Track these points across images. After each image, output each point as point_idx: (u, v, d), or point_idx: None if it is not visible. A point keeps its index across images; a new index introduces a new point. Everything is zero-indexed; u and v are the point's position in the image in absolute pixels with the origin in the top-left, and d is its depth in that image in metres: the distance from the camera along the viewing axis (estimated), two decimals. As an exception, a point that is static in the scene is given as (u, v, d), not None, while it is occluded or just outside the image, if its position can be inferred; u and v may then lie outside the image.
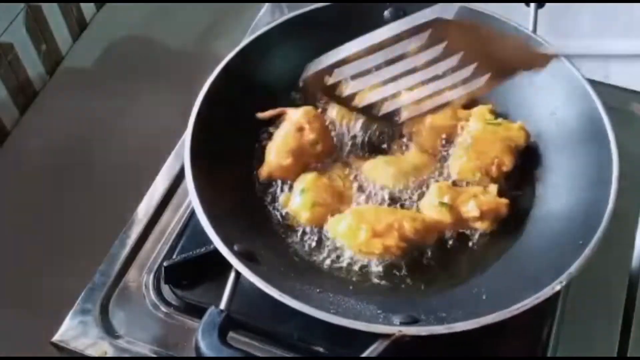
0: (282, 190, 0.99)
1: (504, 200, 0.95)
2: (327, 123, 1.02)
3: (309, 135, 0.99)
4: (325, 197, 0.95)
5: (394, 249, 0.90)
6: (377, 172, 0.98)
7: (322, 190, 0.96)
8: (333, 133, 1.03)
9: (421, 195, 0.97)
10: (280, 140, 1.00)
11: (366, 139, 1.03)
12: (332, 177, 0.98)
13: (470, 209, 0.94)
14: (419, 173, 0.99)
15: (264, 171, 1.00)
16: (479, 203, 0.94)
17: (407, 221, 0.91)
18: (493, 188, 0.96)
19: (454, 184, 0.98)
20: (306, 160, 0.99)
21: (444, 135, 1.02)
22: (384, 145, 1.03)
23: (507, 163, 0.98)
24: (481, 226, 0.94)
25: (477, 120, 1.02)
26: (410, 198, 0.98)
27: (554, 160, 1.00)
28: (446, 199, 0.94)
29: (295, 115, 1.01)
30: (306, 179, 0.97)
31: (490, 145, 0.99)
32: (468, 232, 0.95)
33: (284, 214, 0.97)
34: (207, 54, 1.38)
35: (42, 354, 0.96)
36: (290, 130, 1.00)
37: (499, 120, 1.03)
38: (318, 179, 0.97)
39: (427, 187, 0.98)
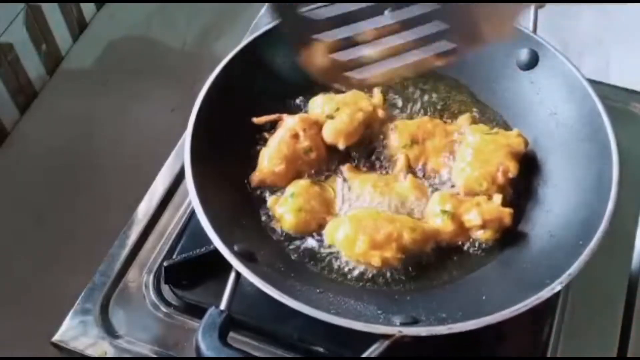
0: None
1: (508, 210, 0.93)
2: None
3: (304, 143, 0.98)
4: (313, 205, 0.94)
5: (392, 260, 0.90)
6: (362, 190, 0.97)
7: (312, 198, 0.95)
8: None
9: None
10: (274, 147, 0.99)
11: (364, 154, 1.03)
12: (324, 186, 0.98)
13: (472, 218, 0.93)
14: (402, 204, 0.96)
15: (255, 177, 0.99)
16: (482, 212, 0.92)
17: (407, 232, 0.90)
18: (497, 197, 0.95)
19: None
20: (299, 167, 0.99)
21: (447, 154, 1.01)
22: (385, 164, 1.02)
23: (512, 169, 0.96)
24: (483, 236, 0.93)
25: (474, 133, 1.01)
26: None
27: (554, 160, 1.00)
28: (448, 207, 0.93)
29: (290, 122, 1.00)
30: (298, 185, 0.97)
31: (492, 153, 0.97)
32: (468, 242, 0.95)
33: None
34: (207, 54, 1.38)
35: (42, 354, 0.96)
36: (284, 136, 0.99)
37: (495, 130, 1.03)
38: (310, 186, 0.96)
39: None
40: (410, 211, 0.96)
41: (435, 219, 0.93)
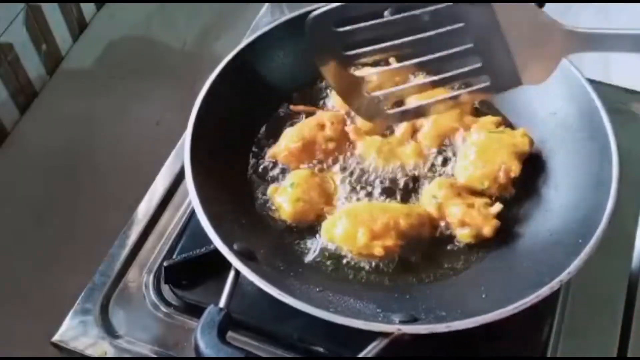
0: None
1: (494, 222, 0.93)
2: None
3: (327, 132, 1.01)
4: (312, 195, 0.96)
5: (393, 248, 0.90)
6: (367, 155, 0.99)
7: (311, 188, 0.96)
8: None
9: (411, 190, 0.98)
10: (298, 127, 1.02)
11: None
12: (325, 177, 0.99)
13: (454, 213, 0.94)
14: (406, 164, 0.99)
15: (271, 150, 1.02)
16: (465, 212, 0.93)
17: (403, 218, 0.91)
18: (497, 206, 0.94)
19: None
20: (314, 153, 1.01)
21: (446, 137, 1.02)
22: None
23: (515, 169, 0.96)
24: (460, 234, 0.94)
25: (479, 130, 1.01)
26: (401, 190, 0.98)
27: (554, 160, 1.00)
28: (439, 195, 0.94)
29: (321, 113, 1.04)
30: (298, 175, 0.98)
31: (496, 152, 0.98)
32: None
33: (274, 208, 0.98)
34: (207, 54, 1.38)
35: (42, 354, 0.96)
36: (311, 122, 1.02)
37: (502, 128, 1.03)
38: (310, 176, 0.98)
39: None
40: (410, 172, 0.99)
41: (427, 202, 0.95)
